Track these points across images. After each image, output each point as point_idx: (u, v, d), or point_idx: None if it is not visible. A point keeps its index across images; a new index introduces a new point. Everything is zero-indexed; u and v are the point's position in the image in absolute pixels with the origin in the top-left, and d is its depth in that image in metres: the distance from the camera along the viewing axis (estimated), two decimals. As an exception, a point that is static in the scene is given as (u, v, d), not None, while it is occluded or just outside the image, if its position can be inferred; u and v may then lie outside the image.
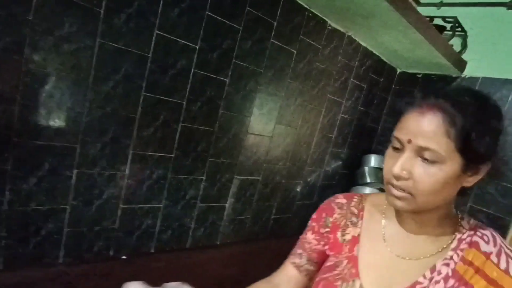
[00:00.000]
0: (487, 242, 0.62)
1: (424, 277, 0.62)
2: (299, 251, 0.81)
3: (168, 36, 1.03)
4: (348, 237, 0.73)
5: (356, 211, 0.76)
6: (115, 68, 0.96)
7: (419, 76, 1.89)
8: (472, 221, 0.68)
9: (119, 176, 1.06)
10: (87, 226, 1.05)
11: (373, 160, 1.90)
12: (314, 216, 0.81)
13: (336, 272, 0.70)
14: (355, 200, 0.78)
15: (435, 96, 0.58)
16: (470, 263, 0.60)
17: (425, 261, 0.64)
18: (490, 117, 0.58)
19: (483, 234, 0.64)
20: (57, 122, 0.91)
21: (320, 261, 0.78)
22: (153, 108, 1.06)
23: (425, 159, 0.57)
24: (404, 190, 0.59)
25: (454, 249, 0.63)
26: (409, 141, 0.58)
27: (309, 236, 0.80)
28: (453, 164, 0.56)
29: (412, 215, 0.66)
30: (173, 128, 1.13)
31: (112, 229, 1.10)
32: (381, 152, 1.94)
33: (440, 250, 0.64)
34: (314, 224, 0.80)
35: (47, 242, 1.02)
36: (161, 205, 1.19)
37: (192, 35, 1.08)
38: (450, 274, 0.60)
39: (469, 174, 0.59)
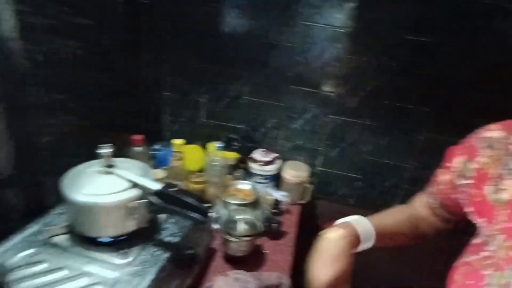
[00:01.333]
0: None
1: None
2: (432, 189, 0.64)
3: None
4: (505, 195, 0.44)
5: None
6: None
7: None
8: None
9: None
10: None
11: None
12: (451, 151, 0.58)
13: (485, 254, 0.44)
14: None
15: None
16: None
17: None
18: None
19: None
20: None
21: (458, 212, 0.56)
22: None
23: None
24: None
25: None
26: None
27: (441, 177, 0.60)
28: None
29: None
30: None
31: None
32: None
33: None
34: (449, 164, 0.58)
35: (388, 193, 1.26)
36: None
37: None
38: None
39: None
